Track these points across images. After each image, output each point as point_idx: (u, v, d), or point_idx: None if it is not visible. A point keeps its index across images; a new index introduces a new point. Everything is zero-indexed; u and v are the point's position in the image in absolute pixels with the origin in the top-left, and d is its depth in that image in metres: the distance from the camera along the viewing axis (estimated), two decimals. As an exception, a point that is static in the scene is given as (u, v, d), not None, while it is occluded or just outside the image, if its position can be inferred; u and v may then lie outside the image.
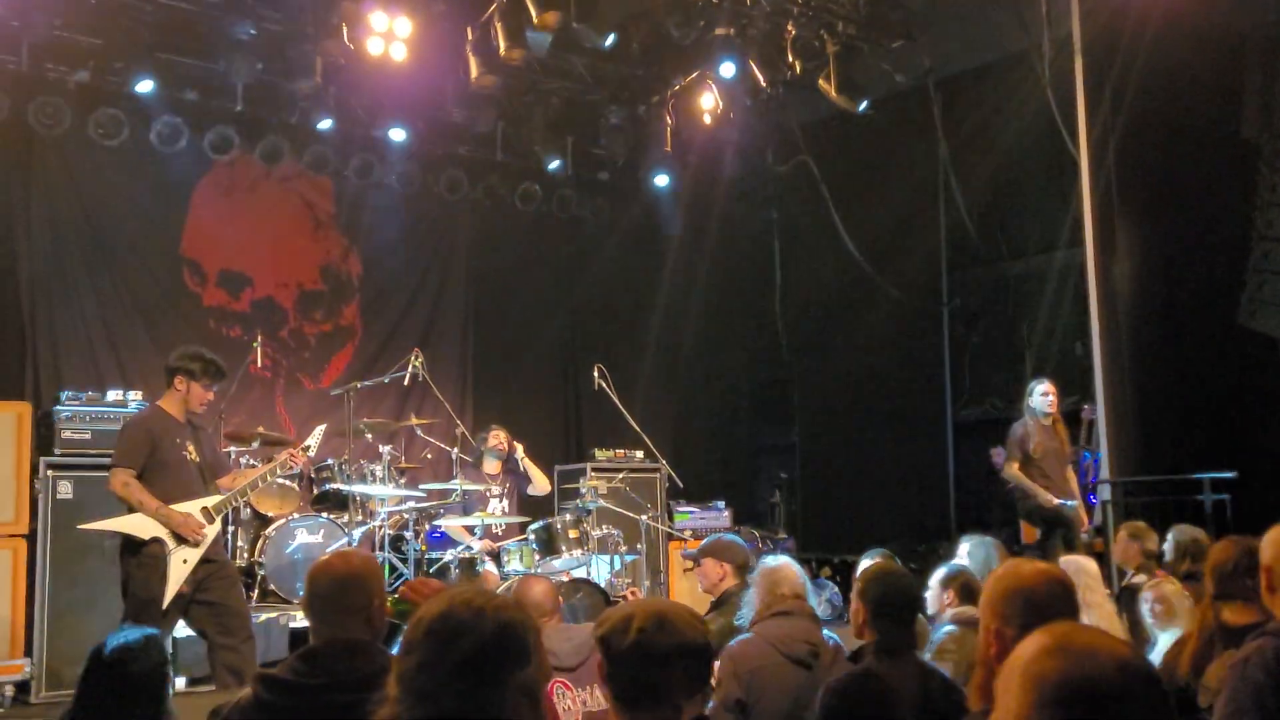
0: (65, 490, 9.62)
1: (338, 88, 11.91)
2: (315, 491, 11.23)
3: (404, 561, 10.20)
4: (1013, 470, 11.03)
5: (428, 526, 10.52)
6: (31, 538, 9.48)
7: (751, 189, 15.74)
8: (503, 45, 10.84)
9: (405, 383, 10.89)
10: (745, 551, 7.57)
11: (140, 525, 7.57)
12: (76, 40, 10.94)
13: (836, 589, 12.62)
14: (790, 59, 12.07)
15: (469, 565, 9.74)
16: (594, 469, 12.53)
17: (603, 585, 10.16)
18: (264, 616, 9.82)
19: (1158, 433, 11.08)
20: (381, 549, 10.40)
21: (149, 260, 12.53)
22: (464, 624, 2.71)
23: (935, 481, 14.39)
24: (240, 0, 10.94)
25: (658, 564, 12.50)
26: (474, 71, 11.26)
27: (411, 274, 14.46)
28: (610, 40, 11.13)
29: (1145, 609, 6.89)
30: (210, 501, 7.84)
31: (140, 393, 10.28)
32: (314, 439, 8.65)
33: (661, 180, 14.54)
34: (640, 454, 12.92)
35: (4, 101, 10.96)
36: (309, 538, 10.52)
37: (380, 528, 10.49)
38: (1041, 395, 11.13)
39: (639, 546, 11.74)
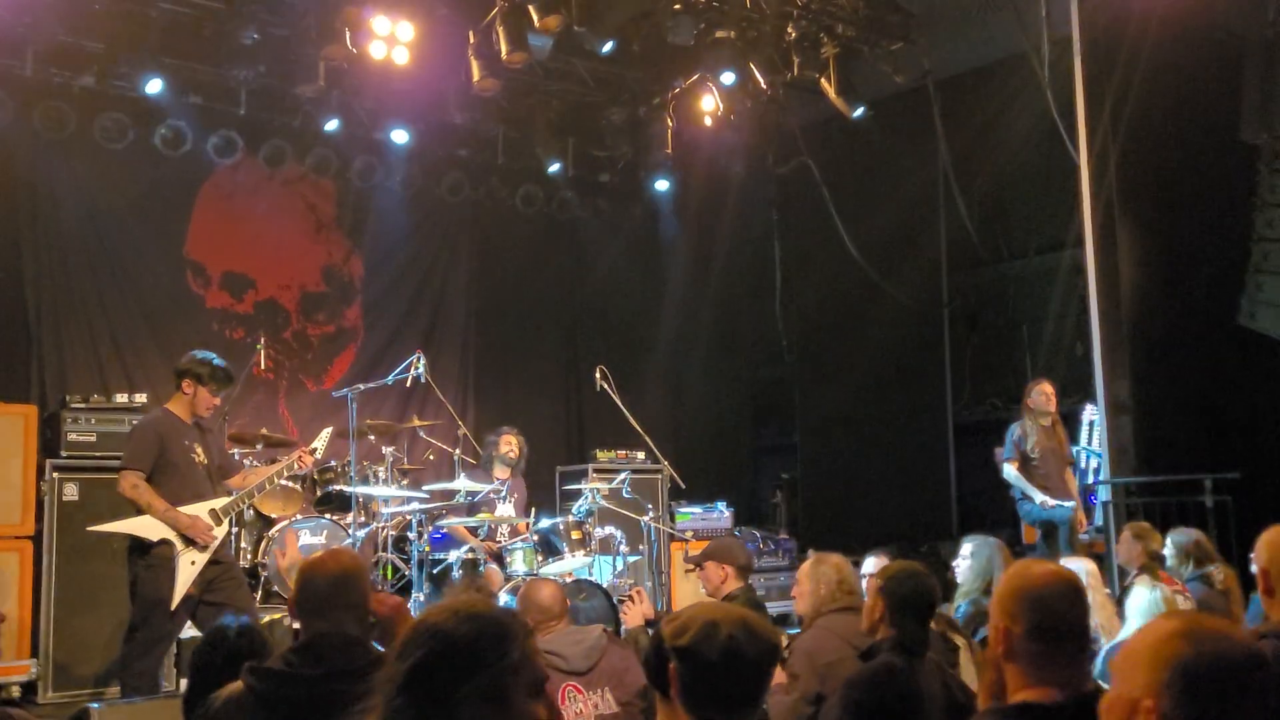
0: (71, 492, 9.64)
1: (340, 91, 11.93)
2: (318, 493, 11.24)
3: (406, 563, 10.22)
4: (1012, 470, 11.08)
5: (430, 528, 10.54)
6: (37, 539, 9.51)
7: (752, 191, 15.77)
8: (504, 49, 10.87)
9: (407, 384, 10.91)
10: (747, 553, 7.62)
11: (148, 527, 7.62)
12: (81, 45, 10.96)
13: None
14: (791, 61, 12.11)
15: (472, 566, 9.76)
16: (595, 470, 12.56)
17: (605, 586, 10.20)
18: (267, 618, 9.83)
19: (1158, 433, 11.11)
20: (384, 550, 10.44)
21: (153, 263, 12.55)
22: (414, 639, 2.68)
23: (936, 482, 14.42)
24: (244, 5, 10.96)
25: (659, 565, 12.52)
26: (476, 75, 11.28)
27: (413, 276, 14.48)
28: (609, 46, 11.19)
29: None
30: (218, 503, 7.89)
31: (146, 395, 10.32)
32: (321, 441, 8.71)
33: (662, 182, 14.62)
34: (642, 455, 12.95)
35: (9, 106, 10.99)
36: (312, 539, 10.53)
37: (383, 529, 10.52)
38: (1040, 395, 11.18)
39: (641, 547, 11.77)
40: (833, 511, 15.14)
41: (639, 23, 11.55)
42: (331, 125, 12.39)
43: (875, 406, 14.97)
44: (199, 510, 7.75)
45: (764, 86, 12.46)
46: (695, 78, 12.76)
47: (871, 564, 7.30)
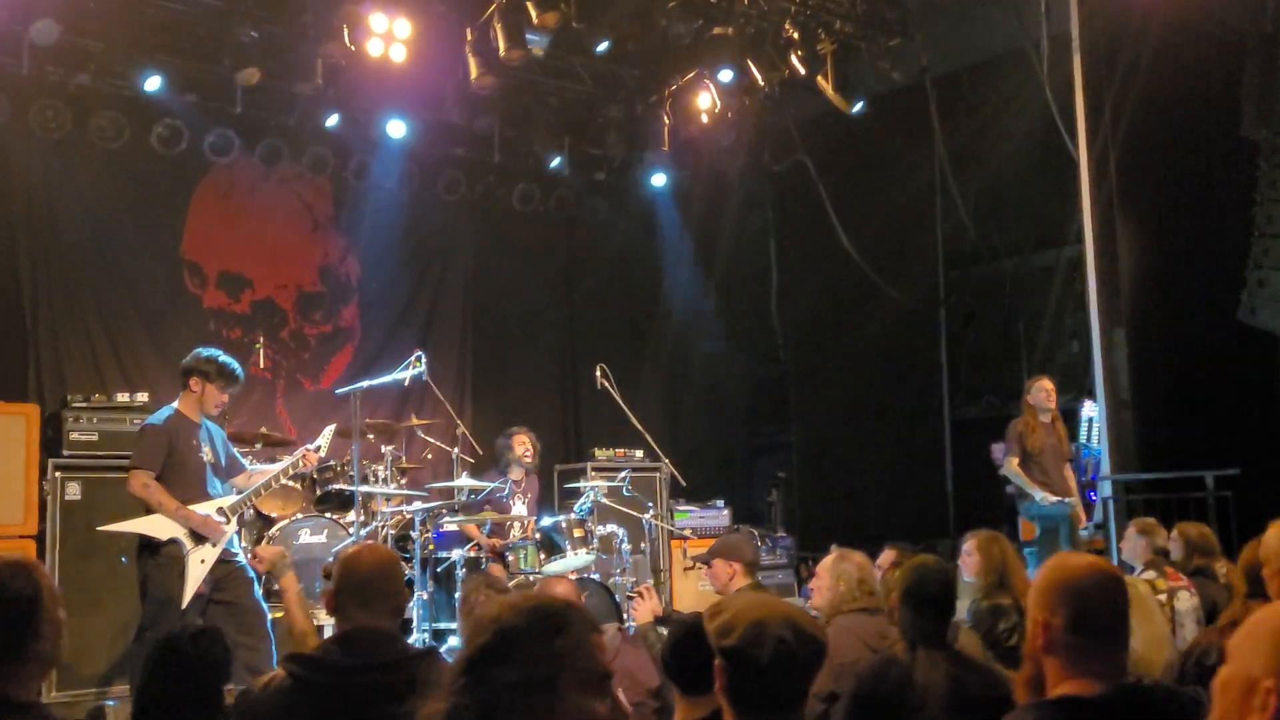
0: (74, 492, 9.63)
1: (337, 89, 11.90)
2: (318, 492, 11.22)
3: (409, 561, 10.20)
4: (1013, 466, 11.09)
5: (433, 527, 10.51)
6: (40, 539, 9.49)
7: (749, 188, 15.76)
8: (502, 46, 10.87)
9: (405, 383, 10.89)
10: (754, 550, 7.61)
11: (158, 526, 7.62)
12: (77, 43, 10.91)
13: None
14: (787, 58, 12.10)
15: (475, 565, 9.75)
16: (595, 468, 12.55)
17: (607, 584, 10.20)
18: (271, 615, 9.81)
19: (1158, 429, 11.13)
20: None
21: (149, 262, 12.49)
22: (477, 629, 2.68)
23: (932, 479, 14.43)
24: (241, 3, 10.93)
25: (659, 562, 12.52)
26: (473, 72, 11.27)
27: (410, 275, 14.44)
28: (605, 45, 11.18)
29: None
30: (226, 502, 7.91)
31: (146, 395, 10.29)
32: (324, 438, 8.70)
33: (659, 180, 14.59)
34: (640, 453, 12.94)
35: (5, 104, 10.94)
36: (312, 538, 10.51)
37: (383, 528, 10.50)
38: (1041, 392, 11.19)
39: (642, 545, 11.76)
40: (829, 509, 15.12)
41: (636, 20, 11.55)
42: (328, 123, 12.35)
43: (871, 404, 14.97)
44: (208, 509, 7.76)
45: (761, 84, 12.44)
46: (692, 75, 12.76)
47: (883, 557, 7.29)
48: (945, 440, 14.48)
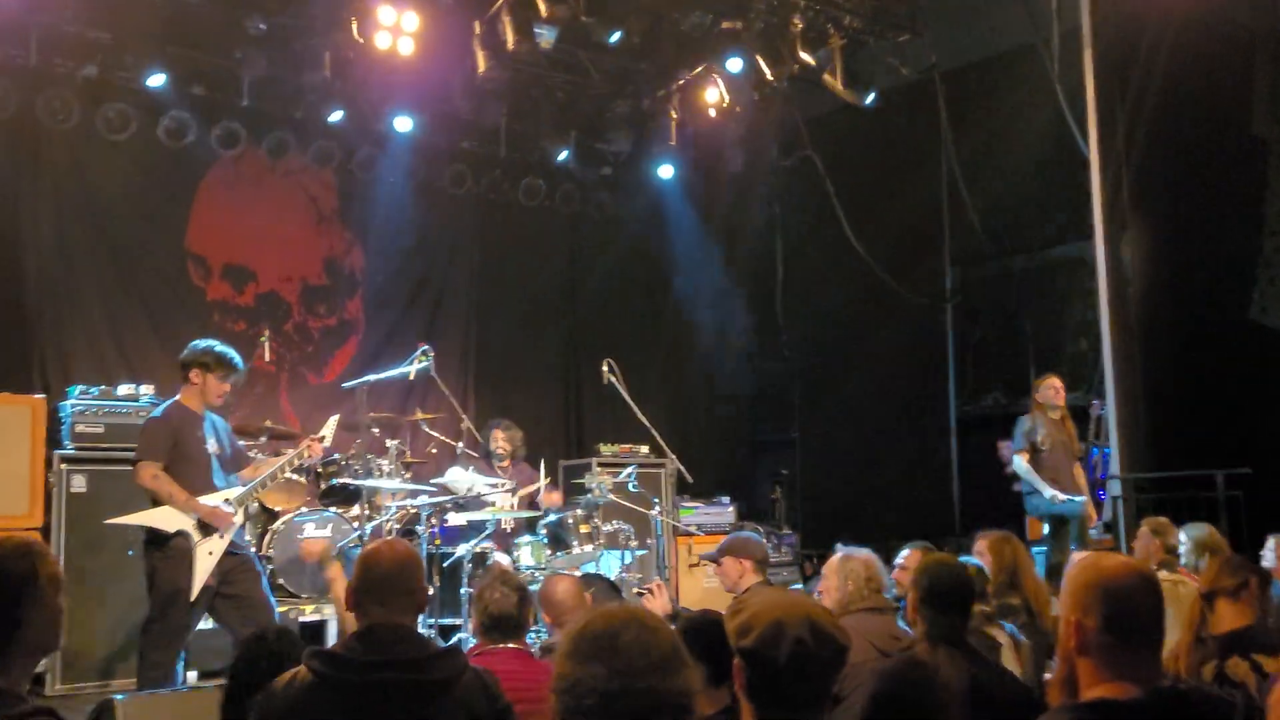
0: (79, 484, 9.60)
1: (345, 82, 11.86)
2: (322, 486, 11.18)
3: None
4: (1022, 462, 11.06)
5: (438, 522, 10.47)
6: (45, 531, 9.44)
7: (756, 183, 15.70)
8: (510, 39, 10.82)
9: (410, 377, 10.86)
10: (763, 547, 7.60)
11: (165, 518, 7.58)
12: (85, 35, 10.90)
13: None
14: (796, 53, 12.06)
15: (482, 560, 9.72)
16: (600, 464, 12.52)
17: (613, 580, 10.17)
18: (276, 611, 9.78)
19: (1168, 428, 11.08)
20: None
21: (154, 254, 12.48)
22: None
23: (938, 477, 14.39)
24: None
25: (664, 559, 12.48)
26: (481, 65, 11.23)
27: (415, 268, 14.43)
28: (616, 36, 11.14)
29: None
30: (232, 493, 7.88)
31: (151, 387, 10.25)
32: (328, 429, 8.62)
33: (666, 174, 14.54)
34: (645, 449, 12.91)
35: (13, 95, 10.91)
36: (317, 532, 10.48)
37: (387, 522, 10.46)
38: (1050, 390, 11.18)
39: (649, 541, 11.73)
40: (833, 507, 15.06)
41: (645, 13, 11.50)
42: (335, 116, 12.31)
43: (877, 400, 14.92)
44: (215, 500, 7.72)
45: (770, 78, 12.39)
46: (701, 69, 12.72)
47: (908, 558, 7.25)
48: (952, 438, 14.44)
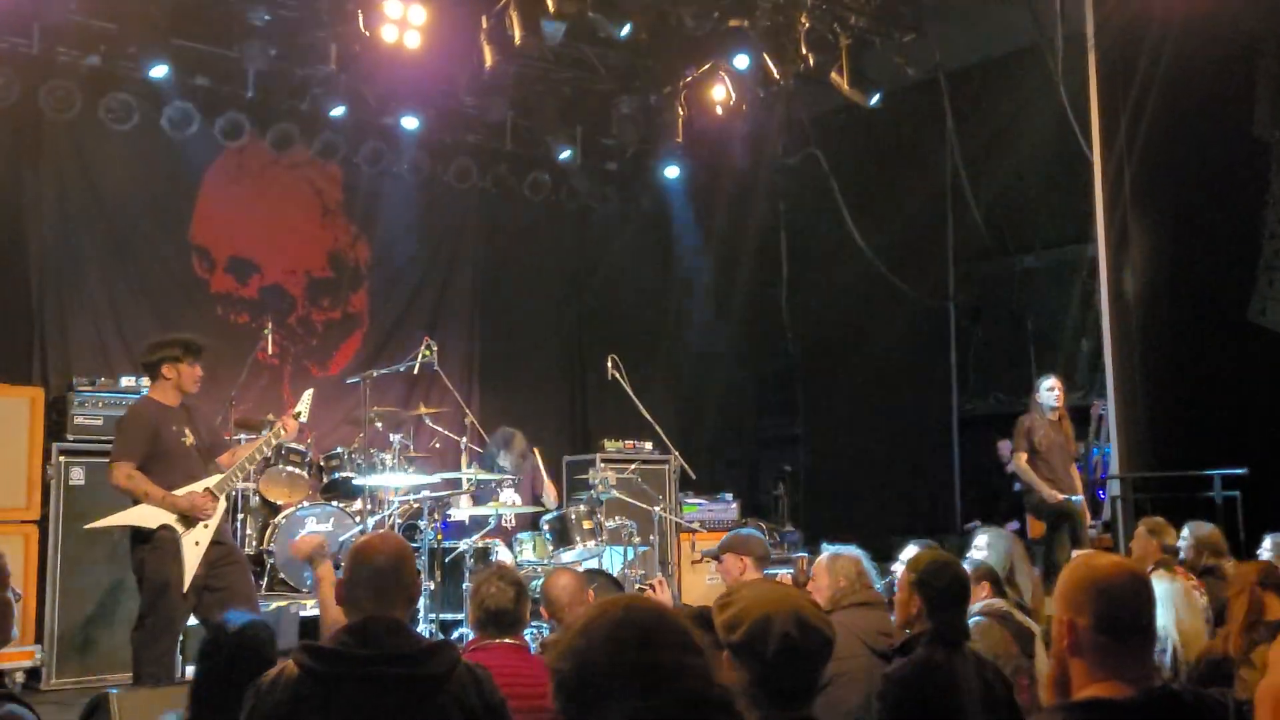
0: (77, 476, 9.62)
1: (350, 75, 11.85)
2: (324, 480, 11.19)
3: (416, 551, 10.16)
4: (1021, 462, 11.08)
5: (439, 517, 10.49)
6: (43, 524, 9.47)
7: (761, 181, 15.69)
8: (518, 34, 10.81)
9: (414, 371, 10.87)
10: (764, 544, 7.59)
11: (146, 516, 7.55)
12: (89, 24, 10.87)
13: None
14: (802, 51, 12.05)
15: (483, 555, 9.72)
16: (604, 460, 12.53)
17: (616, 576, 10.18)
18: (274, 605, 9.79)
19: (1167, 429, 11.09)
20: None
21: (158, 246, 12.46)
22: None
23: (940, 475, 14.40)
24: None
25: (667, 555, 12.51)
26: (488, 59, 11.21)
27: (419, 262, 14.43)
28: (626, 30, 11.13)
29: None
30: (211, 482, 7.81)
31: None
32: (303, 404, 8.48)
33: (671, 171, 14.55)
34: (649, 445, 12.92)
35: (15, 85, 10.85)
36: (318, 526, 10.49)
37: (390, 517, 10.46)
38: (1048, 390, 11.20)
39: (651, 538, 11.74)
40: (836, 504, 15.07)
41: (652, 10, 11.50)
42: (340, 110, 12.30)
43: (879, 399, 14.92)
44: (193, 490, 7.68)
45: (776, 76, 12.39)
46: (707, 67, 12.71)
47: (908, 554, 7.24)
48: (953, 436, 14.44)
